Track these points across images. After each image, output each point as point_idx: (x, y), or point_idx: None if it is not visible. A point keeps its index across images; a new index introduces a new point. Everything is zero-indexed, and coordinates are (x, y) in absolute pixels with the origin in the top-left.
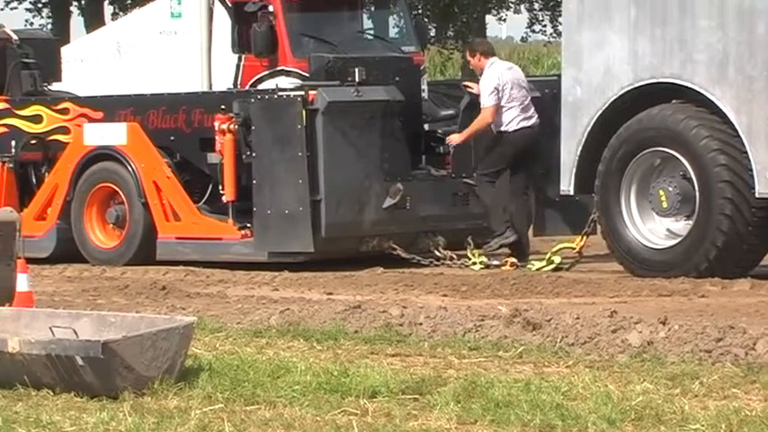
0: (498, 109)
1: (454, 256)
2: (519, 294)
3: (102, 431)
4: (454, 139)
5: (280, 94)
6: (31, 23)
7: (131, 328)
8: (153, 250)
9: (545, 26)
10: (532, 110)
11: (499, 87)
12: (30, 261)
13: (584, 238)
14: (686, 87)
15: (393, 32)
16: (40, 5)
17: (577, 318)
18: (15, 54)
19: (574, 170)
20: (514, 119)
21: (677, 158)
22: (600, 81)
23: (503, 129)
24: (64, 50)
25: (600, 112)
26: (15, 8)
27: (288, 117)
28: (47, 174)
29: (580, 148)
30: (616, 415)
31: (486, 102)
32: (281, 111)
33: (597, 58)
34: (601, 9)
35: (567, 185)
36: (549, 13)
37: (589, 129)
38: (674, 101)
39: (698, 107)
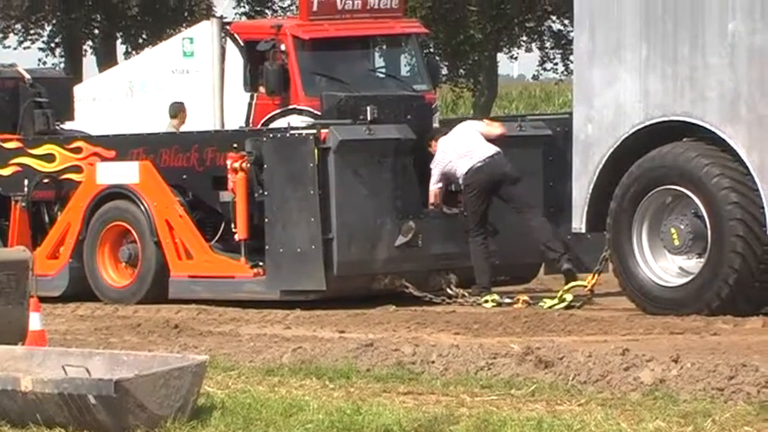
0: (453, 174)
1: (466, 294)
2: (531, 332)
3: None
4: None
5: (292, 132)
6: (44, 62)
7: (144, 367)
8: (165, 289)
9: (556, 64)
10: (485, 146)
11: (445, 170)
12: (42, 300)
13: (596, 275)
14: (697, 125)
15: (405, 71)
16: (53, 45)
17: (589, 356)
18: (28, 93)
19: (585, 208)
20: (468, 167)
21: (689, 196)
22: (611, 119)
23: (462, 181)
24: (76, 89)
25: (611, 149)
26: (28, 48)
27: (300, 155)
28: (59, 213)
29: (592, 186)
30: None
31: (432, 186)
32: (293, 149)
33: (608, 95)
34: (612, 47)
35: (578, 223)
36: (560, 51)
37: (600, 166)
38: (685, 139)
39: (709, 145)
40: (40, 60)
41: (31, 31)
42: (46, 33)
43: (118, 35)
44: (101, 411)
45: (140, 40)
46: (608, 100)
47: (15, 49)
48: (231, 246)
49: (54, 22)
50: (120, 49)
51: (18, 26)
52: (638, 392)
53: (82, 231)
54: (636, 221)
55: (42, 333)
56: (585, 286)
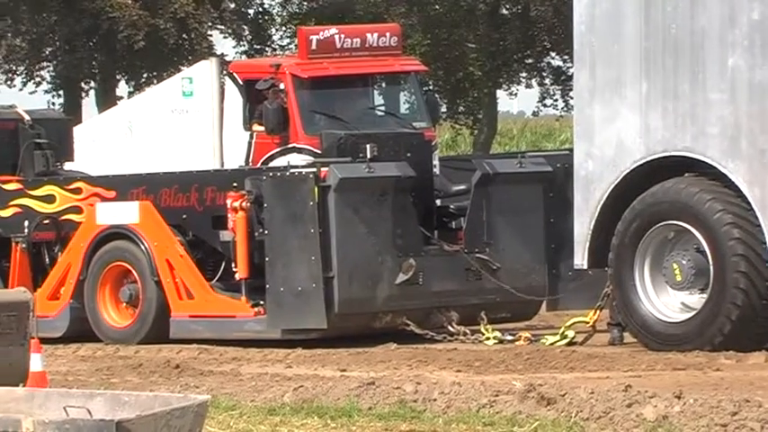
0: None
1: (468, 332)
2: (533, 369)
3: None
4: None
5: (292, 171)
6: (53, 104)
7: (145, 407)
8: (166, 328)
9: (556, 100)
10: None
11: None
12: (43, 341)
13: (598, 311)
14: (699, 161)
15: (404, 108)
16: (57, 86)
17: (592, 392)
18: (28, 134)
19: (587, 244)
20: None
21: (691, 232)
22: (612, 155)
23: None
24: (76, 130)
25: (613, 185)
26: (34, 92)
27: (300, 194)
28: (60, 253)
29: (593, 222)
30: None
31: None
32: (293, 188)
33: (609, 131)
34: (612, 83)
35: (580, 259)
36: (560, 87)
37: (602, 202)
38: (687, 174)
39: (711, 180)
40: (49, 102)
41: (35, 74)
42: (48, 75)
43: (119, 74)
44: None
45: (142, 79)
46: (609, 136)
47: (21, 90)
48: (232, 285)
49: (55, 63)
50: (123, 88)
51: (21, 68)
52: (641, 429)
53: (82, 272)
54: (638, 257)
55: (43, 374)
56: (587, 322)
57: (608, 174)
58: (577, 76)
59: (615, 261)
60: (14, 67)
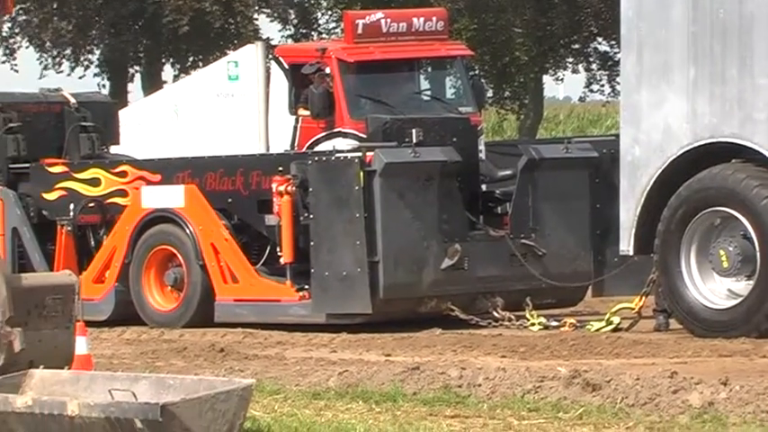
0: None
1: (513, 317)
2: (578, 355)
3: None
4: None
5: (337, 155)
6: (103, 86)
7: (190, 391)
8: (211, 312)
9: (603, 86)
10: None
11: None
12: (88, 324)
13: (644, 298)
14: (746, 147)
15: (450, 93)
16: (104, 70)
17: (637, 379)
18: (74, 117)
19: (633, 230)
20: None
21: (737, 218)
22: (659, 140)
23: None
24: (122, 113)
25: (659, 171)
26: (83, 76)
27: (345, 178)
28: (105, 236)
29: (639, 208)
30: None
31: None
32: (338, 172)
33: (656, 117)
34: (659, 68)
35: (626, 245)
36: (606, 72)
37: (648, 188)
38: (733, 160)
39: (758, 166)
40: (99, 85)
41: (81, 57)
42: (95, 58)
43: (165, 58)
44: None
45: (188, 63)
46: (656, 121)
47: (69, 75)
48: (277, 269)
49: (102, 46)
50: (168, 71)
51: (68, 52)
52: (687, 416)
53: (128, 255)
54: (684, 243)
55: (89, 357)
56: (633, 309)
57: (655, 159)
58: (624, 62)
59: (661, 247)
60: (61, 51)
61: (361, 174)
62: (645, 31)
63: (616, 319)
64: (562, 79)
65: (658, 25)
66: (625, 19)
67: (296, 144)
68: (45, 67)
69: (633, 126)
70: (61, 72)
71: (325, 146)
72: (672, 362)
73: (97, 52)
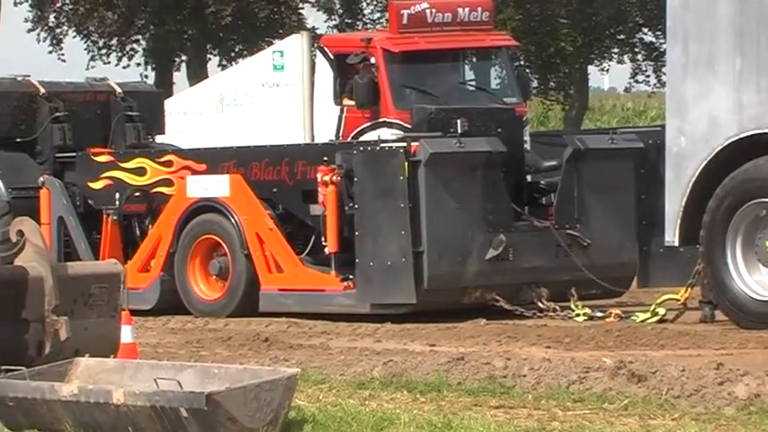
0: None
1: (557, 308)
2: (623, 346)
3: None
4: None
5: (382, 145)
6: (146, 76)
7: (235, 380)
8: (256, 302)
9: (648, 76)
10: None
11: None
12: (133, 313)
13: (689, 289)
14: None
15: (495, 83)
16: (149, 59)
17: (683, 370)
18: (119, 107)
19: (679, 221)
20: None
21: None
22: (705, 131)
23: None
24: (167, 103)
25: (705, 162)
26: (128, 66)
27: (390, 168)
28: (150, 226)
29: (685, 199)
30: None
31: None
32: (383, 162)
33: (702, 108)
34: (705, 59)
35: (671, 237)
36: (652, 63)
37: (694, 179)
38: None
39: None
40: (142, 75)
41: (127, 47)
42: (141, 48)
43: (210, 48)
44: (192, 424)
45: (233, 53)
46: (701, 112)
47: (116, 65)
48: (321, 259)
49: (147, 36)
50: (214, 61)
51: (114, 42)
52: (733, 407)
53: (173, 245)
54: (729, 234)
55: (134, 346)
56: (678, 300)
57: (700, 150)
58: (670, 52)
59: (707, 239)
60: (107, 41)
61: (406, 164)
62: (691, 22)
63: (661, 310)
64: (607, 70)
65: (704, 16)
66: (671, 10)
67: (341, 134)
68: (92, 58)
69: (679, 117)
70: (108, 63)
71: (370, 136)
72: (717, 353)
73: (143, 42)
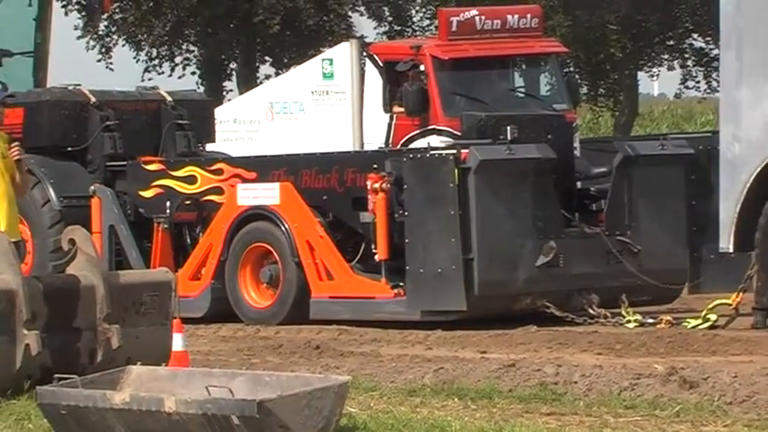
0: None
1: (608, 315)
2: (674, 352)
3: None
4: None
5: (432, 152)
6: (196, 83)
7: (286, 388)
8: (306, 309)
9: (698, 82)
10: None
11: None
12: (185, 321)
13: (740, 294)
14: None
15: (544, 90)
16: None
17: (735, 376)
18: (170, 115)
19: (733, 228)
20: None
21: None
22: (759, 137)
23: None
24: (217, 111)
25: (759, 168)
26: (182, 75)
27: (440, 176)
28: (201, 234)
29: (739, 206)
30: None
31: None
32: (433, 169)
33: (756, 114)
34: (759, 64)
35: (726, 243)
36: (702, 69)
37: (748, 185)
38: None
39: None
40: (197, 83)
41: (176, 56)
42: (193, 57)
43: (260, 57)
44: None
45: (284, 60)
46: (755, 119)
47: (170, 76)
48: (371, 266)
49: (199, 44)
50: (264, 70)
51: (163, 50)
52: None
53: (223, 253)
54: None
55: (185, 354)
56: (730, 305)
57: (754, 156)
58: (723, 58)
59: (762, 242)
60: (159, 51)
61: (456, 171)
62: (744, 29)
63: (713, 316)
64: (657, 76)
65: (758, 21)
66: (724, 15)
67: (390, 141)
68: (146, 70)
69: (733, 123)
70: (162, 73)
71: (419, 143)
72: None
73: (194, 49)
